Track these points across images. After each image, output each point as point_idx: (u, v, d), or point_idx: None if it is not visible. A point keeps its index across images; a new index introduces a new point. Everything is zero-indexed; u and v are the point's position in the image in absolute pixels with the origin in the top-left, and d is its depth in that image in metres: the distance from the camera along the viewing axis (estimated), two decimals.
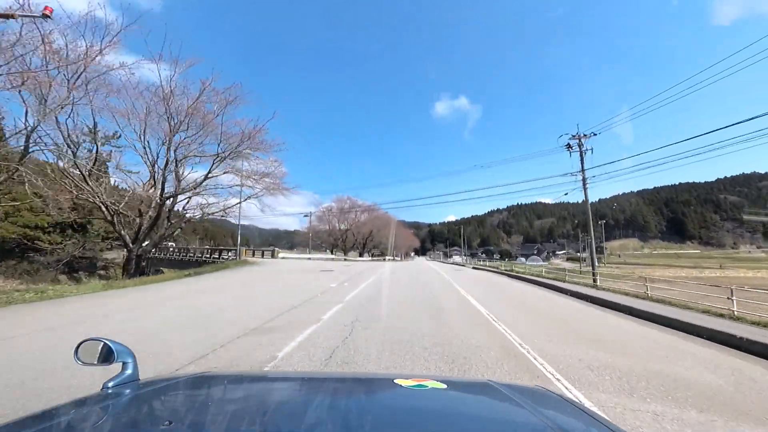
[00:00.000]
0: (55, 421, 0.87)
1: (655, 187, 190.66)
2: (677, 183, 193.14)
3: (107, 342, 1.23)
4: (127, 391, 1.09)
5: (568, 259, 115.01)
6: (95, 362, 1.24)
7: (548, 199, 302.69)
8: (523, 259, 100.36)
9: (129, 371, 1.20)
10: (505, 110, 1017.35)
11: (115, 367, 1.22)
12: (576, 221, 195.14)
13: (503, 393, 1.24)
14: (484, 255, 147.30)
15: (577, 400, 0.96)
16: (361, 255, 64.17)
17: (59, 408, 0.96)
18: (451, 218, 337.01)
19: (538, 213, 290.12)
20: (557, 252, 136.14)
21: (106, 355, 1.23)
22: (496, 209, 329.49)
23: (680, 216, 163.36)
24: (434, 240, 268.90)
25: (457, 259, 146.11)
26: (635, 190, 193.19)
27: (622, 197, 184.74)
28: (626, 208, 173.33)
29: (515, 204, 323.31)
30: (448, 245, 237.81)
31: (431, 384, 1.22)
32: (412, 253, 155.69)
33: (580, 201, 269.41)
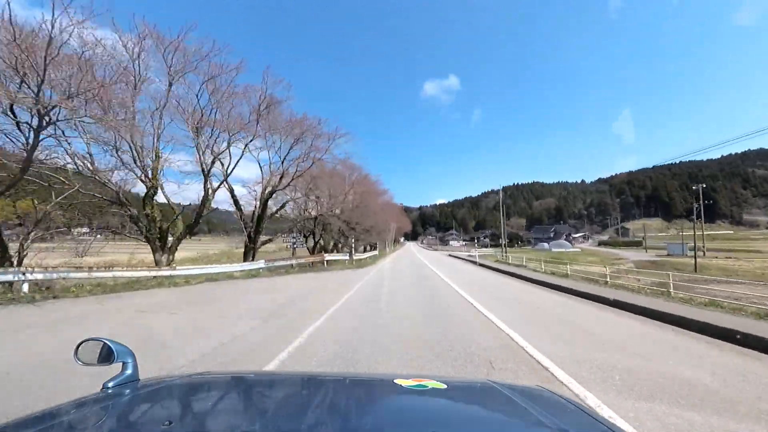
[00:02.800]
0: (55, 421, 0.88)
1: (656, 165, 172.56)
2: (677, 162, 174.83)
3: (107, 342, 1.23)
4: (127, 391, 1.09)
5: (600, 244, 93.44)
6: (95, 362, 1.23)
7: (547, 179, 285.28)
8: (545, 245, 78.39)
9: (129, 371, 1.19)
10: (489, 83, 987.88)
11: (116, 367, 1.22)
12: (590, 199, 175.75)
13: (503, 393, 1.23)
14: (487, 240, 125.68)
15: (578, 401, 1.13)
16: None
17: (59, 408, 0.97)
18: (441, 201, 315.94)
19: (537, 193, 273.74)
20: (573, 235, 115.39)
21: (106, 355, 1.22)
22: (490, 190, 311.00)
23: (710, 192, 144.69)
24: (425, 223, 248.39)
25: (454, 243, 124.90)
26: (649, 166, 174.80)
27: (640, 173, 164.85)
28: (647, 184, 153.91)
29: (512, 184, 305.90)
30: (439, 229, 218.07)
31: (431, 384, 1.21)
32: (402, 239, 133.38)
33: (579, 181, 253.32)
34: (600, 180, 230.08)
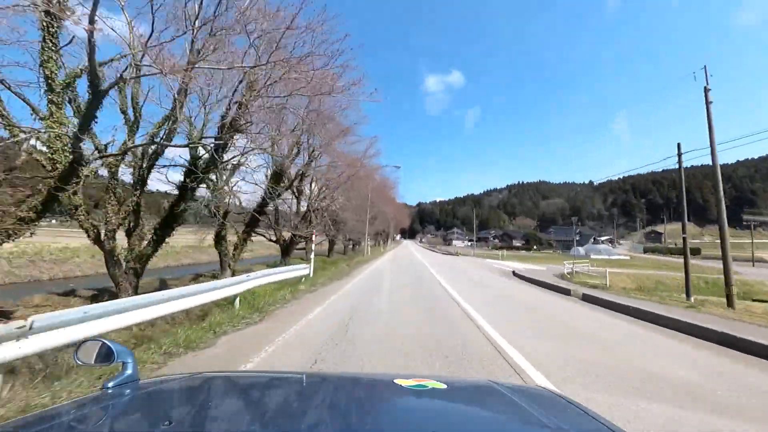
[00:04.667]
0: (55, 421, 0.88)
1: (665, 169, 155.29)
2: (689, 165, 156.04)
3: (107, 342, 1.23)
4: (127, 391, 1.09)
5: (647, 251, 76.54)
6: (95, 362, 1.24)
7: (552, 179, 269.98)
8: (580, 250, 61.61)
9: (129, 371, 1.19)
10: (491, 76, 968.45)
11: (116, 368, 1.22)
12: (611, 199, 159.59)
13: (504, 393, 1.22)
14: (496, 240, 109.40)
15: (578, 401, 1.16)
16: None
17: (59, 408, 0.98)
18: (440, 199, 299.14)
19: (543, 193, 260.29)
20: (598, 238, 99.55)
21: (106, 355, 1.22)
22: (493, 188, 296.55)
23: (748, 194, 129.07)
24: (423, 221, 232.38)
25: (459, 243, 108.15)
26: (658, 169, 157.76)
27: (668, 172, 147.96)
28: (677, 183, 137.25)
29: (516, 183, 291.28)
30: (439, 227, 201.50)
31: (431, 384, 1.21)
32: (398, 236, 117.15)
33: (586, 181, 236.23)
34: (609, 181, 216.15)
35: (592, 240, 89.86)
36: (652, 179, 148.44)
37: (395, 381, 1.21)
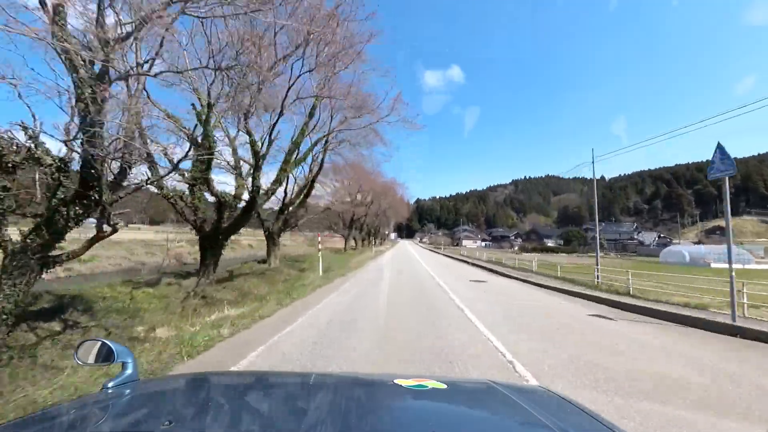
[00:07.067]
0: (55, 421, 0.88)
1: (678, 164, 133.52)
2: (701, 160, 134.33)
3: (107, 342, 1.24)
4: (127, 391, 1.09)
5: None
6: (95, 362, 1.24)
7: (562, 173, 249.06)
8: (685, 254, 38.28)
9: (129, 371, 1.19)
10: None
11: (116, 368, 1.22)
12: (650, 191, 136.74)
13: (504, 394, 1.23)
14: (519, 240, 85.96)
15: (578, 401, 1.18)
16: None
17: (59, 408, 0.99)
18: (440, 195, 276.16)
19: (553, 188, 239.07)
20: (663, 236, 76.64)
21: (106, 355, 1.23)
22: (498, 184, 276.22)
23: None
24: (422, 218, 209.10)
25: (470, 244, 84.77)
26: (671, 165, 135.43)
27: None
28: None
29: (522, 178, 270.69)
30: (440, 225, 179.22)
31: (431, 384, 1.21)
32: (394, 234, 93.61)
33: (598, 177, 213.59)
34: (621, 177, 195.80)
35: (656, 238, 66.39)
36: (696, 167, 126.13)
37: (395, 381, 1.20)
